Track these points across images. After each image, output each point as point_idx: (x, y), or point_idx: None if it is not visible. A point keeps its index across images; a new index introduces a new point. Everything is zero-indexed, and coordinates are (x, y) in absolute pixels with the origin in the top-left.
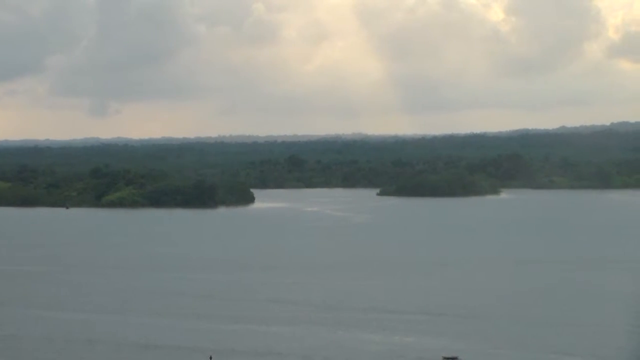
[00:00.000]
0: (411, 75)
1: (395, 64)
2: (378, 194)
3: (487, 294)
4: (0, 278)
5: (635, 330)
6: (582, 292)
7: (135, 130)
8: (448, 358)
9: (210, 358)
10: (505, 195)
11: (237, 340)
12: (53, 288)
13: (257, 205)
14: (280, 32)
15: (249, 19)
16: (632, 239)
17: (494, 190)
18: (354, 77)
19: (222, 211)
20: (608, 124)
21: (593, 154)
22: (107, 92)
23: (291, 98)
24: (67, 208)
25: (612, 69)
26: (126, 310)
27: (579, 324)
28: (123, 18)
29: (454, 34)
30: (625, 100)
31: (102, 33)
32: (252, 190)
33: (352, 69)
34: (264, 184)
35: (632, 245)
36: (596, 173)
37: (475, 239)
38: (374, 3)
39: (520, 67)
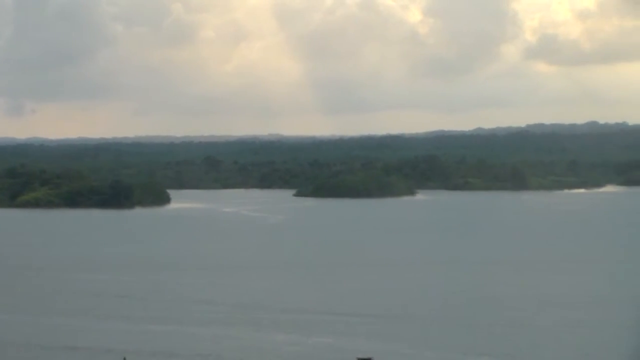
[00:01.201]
0: (329, 76)
1: (313, 65)
2: (295, 195)
3: (404, 295)
4: None
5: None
6: (500, 293)
7: (51, 130)
8: (362, 359)
9: (124, 359)
10: (421, 196)
11: (152, 341)
12: None
13: (174, 205)
14: (198, 33)
15: (168, 19)
16: (547, 240)
17: (410, 191)
18: (272, 78)
19: (138, 212)
20: (524, 125)
21: (509, 155)
22: (23, 92)
23: (209, 98)
24: None
25: (528, 71)
26: (39, 312)
27: (497, 324)
28: (39, 17)
29: (372, 35)
30: (541, 102)
31: (18, 32)
32: (168, 190)
33: (270, 70)
34: (180, 185)
35: (547, 246)
36: (511, 174)
37: (392, 239)
38: (293, 4)
39: (438, 68)
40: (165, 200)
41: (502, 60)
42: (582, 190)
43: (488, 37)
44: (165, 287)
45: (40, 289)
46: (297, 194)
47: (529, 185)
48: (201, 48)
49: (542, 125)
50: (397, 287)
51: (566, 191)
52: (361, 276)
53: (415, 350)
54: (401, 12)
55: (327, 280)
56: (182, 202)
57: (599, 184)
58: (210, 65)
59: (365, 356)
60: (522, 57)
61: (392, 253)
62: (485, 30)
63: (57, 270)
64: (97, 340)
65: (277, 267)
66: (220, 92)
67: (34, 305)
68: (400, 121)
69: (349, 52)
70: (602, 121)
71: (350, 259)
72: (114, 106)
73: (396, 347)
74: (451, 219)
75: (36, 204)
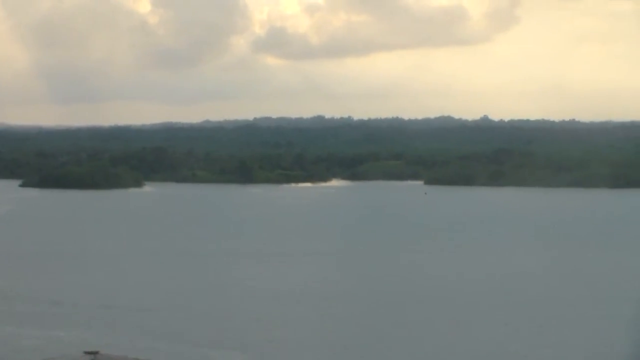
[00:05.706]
0: (56, 65)
1: (40, 54)
2: (20, 186)
3: (143, 287)
4: None
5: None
6: (237, 286)
7: None
8: (89, 352)
9: None
10: (148, 188)
11: None
12: None
13: None
14: None
15: None
16: (267, 233)
17: (138, 183)
18: None
19: None
20: (251, 118)
21: (236, 148)
22: None
23: None
24: None
25: (257, 64)
26: None
27: (231, 316)
28: None
29: (102, 25)
30: (268, 96)
31: None
32: None
33: None
34: None
35: (269, 239)
36: (239, 167)
37: (125, 231)
38: None
39: (167, 59)
40: None
41: (231, 53)
42: (308, 184)
43: (217, 30)
44: None
45: None
46: (23, 185)
47: (255, 179)
48: None
49: (269, 118)
50: (134, 279)
51: (292, 185)
52: (94, 268)
53: (146, 341)
54: (131, 2)
55: (60, 271)
56: None
57: (324, 178)
58: None
59: (93, 349)
60: (251, 50)
61: (120, 244)
62: (214, 22)
63: None
64: None
65: (9, 257)
66: None
67: None
68: (128, 112)
69: (77, 41)
70: (328, 115)
71: (83, 251)
72: None
73: (126, 339)
74: (178, 211)
75: None
